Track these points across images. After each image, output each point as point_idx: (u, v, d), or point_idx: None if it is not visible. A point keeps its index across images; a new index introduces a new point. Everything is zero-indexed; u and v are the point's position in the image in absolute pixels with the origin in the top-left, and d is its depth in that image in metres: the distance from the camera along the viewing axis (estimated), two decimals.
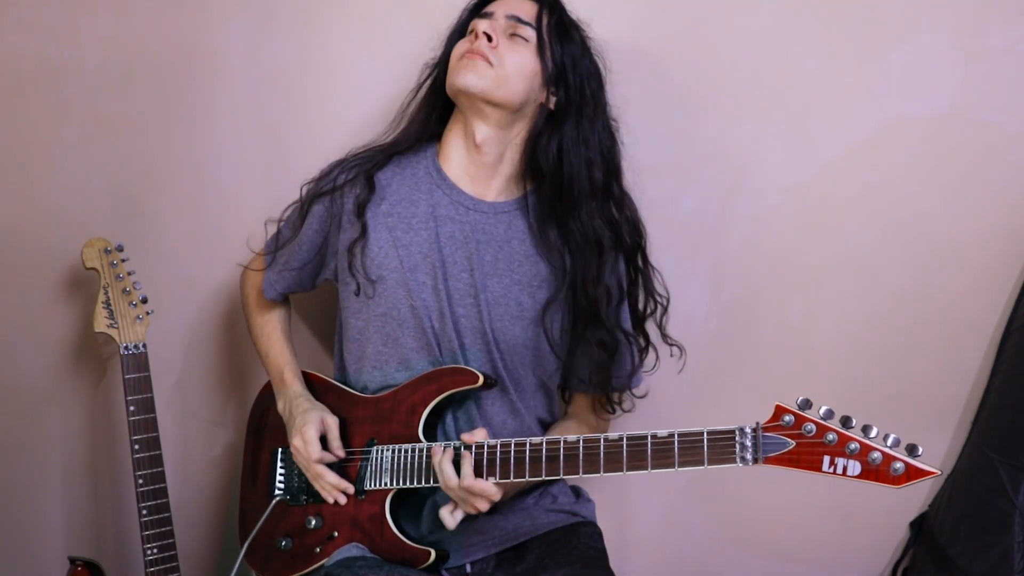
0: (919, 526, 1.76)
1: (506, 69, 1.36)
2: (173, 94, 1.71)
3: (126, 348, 1.57)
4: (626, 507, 1.84)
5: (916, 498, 1.78)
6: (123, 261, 1.60)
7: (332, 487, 1.41)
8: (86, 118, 1.71)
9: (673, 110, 1.68)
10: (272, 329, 1.59)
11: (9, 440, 1.81)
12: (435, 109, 1.47)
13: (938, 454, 1.75)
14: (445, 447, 1.32)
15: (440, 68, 1.45)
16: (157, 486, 1.57)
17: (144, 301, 1.60)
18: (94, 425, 1.83)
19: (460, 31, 1.45)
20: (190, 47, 1.69)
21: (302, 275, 1.54)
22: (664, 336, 1.53)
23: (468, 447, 1.30)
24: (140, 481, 1.56)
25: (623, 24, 1.65)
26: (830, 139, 1.65)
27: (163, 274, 1.72)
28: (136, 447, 1.55)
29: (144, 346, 1.58)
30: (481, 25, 1.35)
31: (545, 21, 1.37)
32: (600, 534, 1.51)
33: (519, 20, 1.36)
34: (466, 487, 1.27)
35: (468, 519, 1.43)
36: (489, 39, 1.36)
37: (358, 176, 1.45)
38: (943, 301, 1.69)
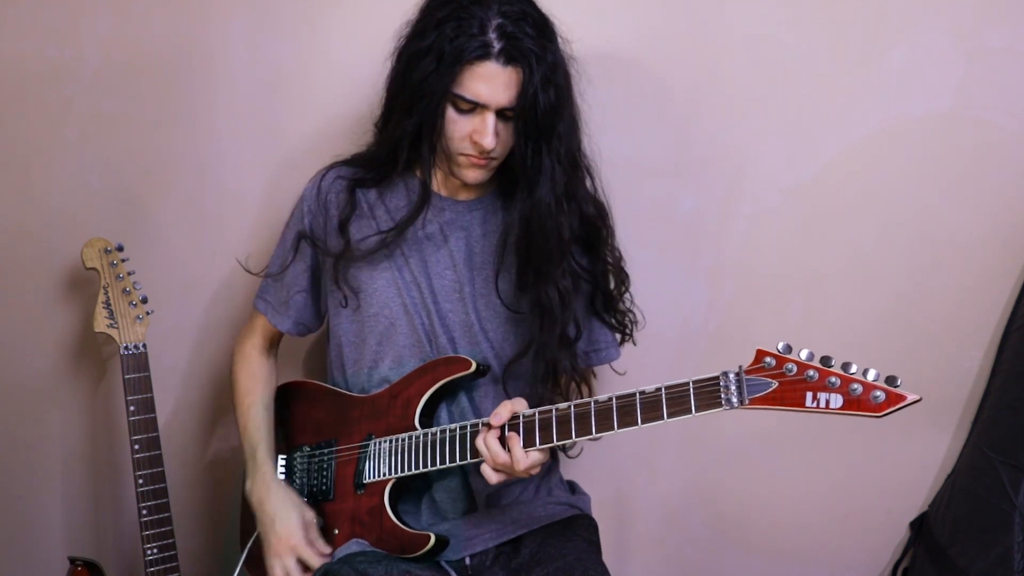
0: (919, 526, 1.76)
1: (506, 150, 1.37)
2: (173, 94, 1.71)
3: (126, 348, 1.57)
4: (626, 507, 1.85)
5: (916, 498, 1.78)
6: (123, 261, 1.60)
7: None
8: (86, 118, 1.71)
9: (673, 110, 1.68)
10: (252, 402, 1.55)
11: (9, 440, 1.81)
12: (412, 137, 1.40)
13: (938, 454, 1.75)
14: (426, 435, 1.36)
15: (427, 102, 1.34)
16: (157, 486, 1.57)
17: (144, 301, 1.60)
18: (94, 425, 1.83)
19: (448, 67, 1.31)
20: (190, 47, 1.69)
21: (308, 299, 1.54)
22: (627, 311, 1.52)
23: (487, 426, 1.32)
24: (140, 481, 1.56)
25: (624, 25, 1.65)
26: (830, 139, 1.65)
27: (163, 274, 1.72)
28: (136, 447, 1.55)
29: (144, 346, 1.58)
30: (487, 142, 1.32)
31: (529, 96, 1.29)
32: (596, 527, 1.53)
33: (507, 111, 1.31)
34: (531, 462, 1.28)
35: (467, 512, 1.45)
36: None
37: (343, 188, 1.47)
38: (943, 301, 1.69)
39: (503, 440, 1.28)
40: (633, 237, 1.56)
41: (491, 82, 1.29)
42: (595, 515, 1.56)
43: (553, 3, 1.35)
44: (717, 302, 1.74)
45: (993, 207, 1.64)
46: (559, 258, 1.38)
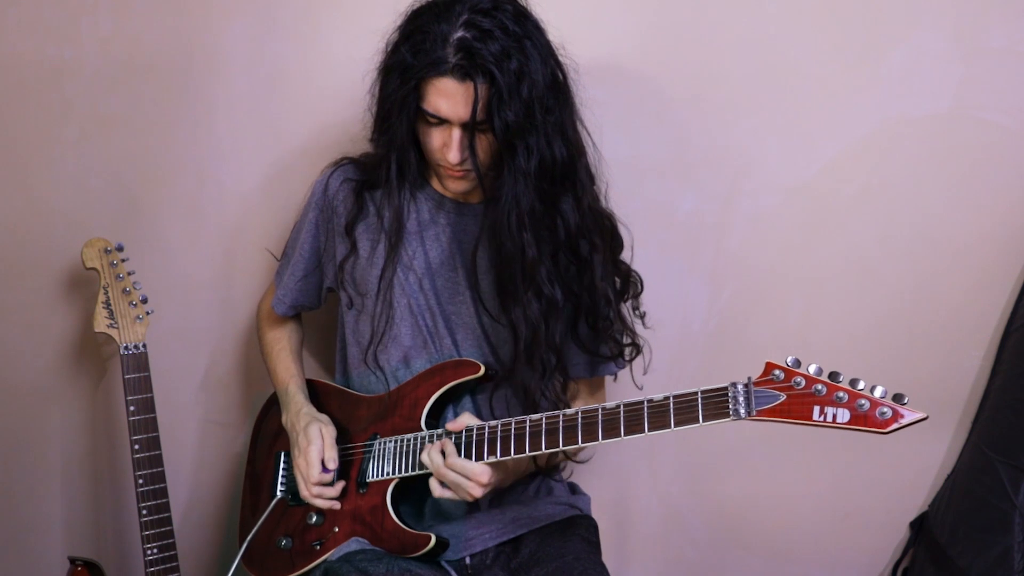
0: (919, 526, 1.76)
1: (482, 162, 1.35)
2: (173, 94, 1.71)
3: (126, 348, 1.57)
4: (626, 507, 1.85)
5: (916, 498, 1.78)
6: (123, 261, 1.60)
7: (328, 500, 1.44)
8: (86, 118, 1.71)
9: (673, 110, 1.68)
10: (281, 347, 1.62)
11: (9, 440, 1.81)
12: (398, 148, 1.41)
13: (938, 454, 1.75)
14: (432, 436, 1.36)
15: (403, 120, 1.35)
16: (157, 486, 1.57)
17: (144, 301, 1.60)
18: (94, 425, 1.83)
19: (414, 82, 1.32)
20: (190, 47, 1.69)
21: (307, 286, 1.56)
22: (638, 319, 1.51)
23: (450, 435, 1.34)
24: (140, 481, 1.56)
25: (624, 25, 1.65)
26: (830, 139, 1.65)
27: (163, 274, 1.72)
28: (136, 447, 1.55)
29: (144, 346, 1.59)
30: (451, 156, 1.32)
31: (487, 111, 1.29)
32: (595, 527, 1.53)
33: (468, 124, 1.30)
34: (450, 464, 1.30)
35: (468, 512, 1.45)
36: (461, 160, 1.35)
37: (350, 191, 1.47)
38: (943, 301, 1.69)
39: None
40: (633, 237, 1.56)
41: (450, 98, 1.29)
42: (595, 515, 1.56)
43: (551, 4, 1.35)
44: (717, 302, 1.74)
45: (993, 207, 1.64)
46: (523, 281, 1.37)
